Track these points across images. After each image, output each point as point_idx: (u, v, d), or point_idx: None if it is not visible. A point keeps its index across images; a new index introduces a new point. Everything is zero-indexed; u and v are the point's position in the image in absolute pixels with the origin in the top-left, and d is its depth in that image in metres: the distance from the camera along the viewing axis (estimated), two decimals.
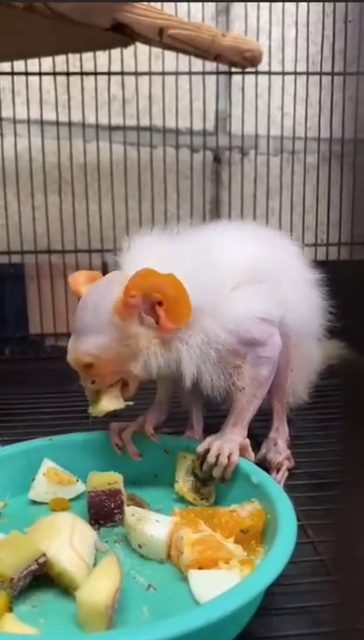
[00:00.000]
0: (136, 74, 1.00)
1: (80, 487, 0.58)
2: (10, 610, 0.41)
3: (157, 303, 0.52)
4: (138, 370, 0.54)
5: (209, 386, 0.56)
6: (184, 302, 0.52)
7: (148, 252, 0.55)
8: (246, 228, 0.68)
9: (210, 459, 0.55)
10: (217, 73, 1.03)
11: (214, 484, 0.56)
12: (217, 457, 0.55)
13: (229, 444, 0.56)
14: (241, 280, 0.57)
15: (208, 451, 0.56)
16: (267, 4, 1.01)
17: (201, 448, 0.56)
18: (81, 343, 0.54)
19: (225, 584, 0.41)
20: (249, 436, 0.71)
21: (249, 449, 0.57)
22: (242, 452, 0.56)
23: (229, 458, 0.55)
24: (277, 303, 0.58)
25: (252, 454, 0.57)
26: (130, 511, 0.50)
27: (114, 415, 0.57)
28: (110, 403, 0.55)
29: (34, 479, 0.57)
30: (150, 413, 0.63)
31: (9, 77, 0.99)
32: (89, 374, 0.55)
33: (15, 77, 0.99)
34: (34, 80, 1.00)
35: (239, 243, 0.61)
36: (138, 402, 0.61)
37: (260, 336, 0.56)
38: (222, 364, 0.56)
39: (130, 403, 0.56)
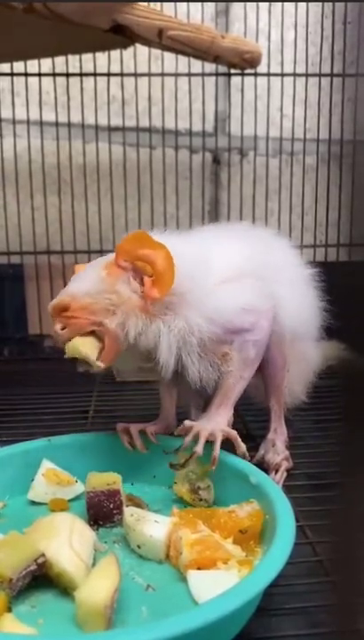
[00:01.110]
0: (135, 75, 1.00)
1: (79, 488, 0.58)
2: (9, 610, 0.41)
3: (148, 275, 0.54)
4: (114, 326, 0.53)
5: (196, 378, 0.57)
6: (169, 274, 0.53)
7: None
8: (242, 228, 0.69)
9: (188, 440, 0.55)
10: (217, 74, 1.03)
11: (212, 484, 0.57)
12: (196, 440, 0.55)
13: (210, 426, 0.56)
14: (229, 276, 0.58)
15: (187, 433, 0.56)
16: (266, 5, 1.02)
17: (178, 430, 0.57)
18: (70, 285, 0.56)
19: (223, 584, 0.41)
20: (248, 436, 0.71)
21: (239, 440, 0.57)
22: (232, 440, 0.56)
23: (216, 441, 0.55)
24: (266, 297, 0.59)
25: (242, 445, 0.57)
26: (129, 511, 0.50)
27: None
28: (84, 344, 0.54)
29: (33, 480, 0.57)
30: (156, 424, 0.63)
31: (8, 78, 0.99)
32: (62, 317, 0.54)
33: (15, 78, 0.99)
34: (33, 81, 1.00)
35: (231, 240, 0.62)
36: (138, 403, 0.61)
37: (243, 325, 0.57)
38: (209, 355, 0.56)
39: (102, 365, 0.54)
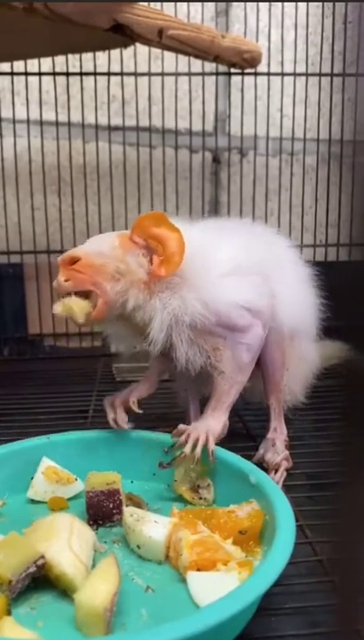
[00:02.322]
0: (135, 74, 1.00)
1: (79, 486, 0.58)
2: (8, 613, 0.41)
3: (158, 255, 0.55)
4: (113, 291, 0.54)
5: (183, 359, 0.57)
6: (178, 256, 0.55)
7: None
8: (242, 224, 0.70)
9: (180, 440, 0.56)
10: (217, 74, 1.03)
11: (212, 483, 0.57)
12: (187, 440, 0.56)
13: (203, 429, 0.57)
14: (230, 269, 0.58)
15: (180, 435, 0.57)
16: (266, 5, 1.02)
17: (174, 432, 0.57)
18: (86, 244, 0.57)
19: (223, 586, 0.41)
20: (248, 436, 0.71)
21: (214, 440, 0.57)
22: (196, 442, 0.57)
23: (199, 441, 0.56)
24: (265, 295, 0.60)
25: (212, 447, 0.57)
26: (129, 512, 0.50)
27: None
28: (77, 303, 0.55)
29: (33, 478, 0.57)
30: (139, 386, 0.64)
31: (8, 77, 0.99)
32: (68, 269, 0.55)
33: (15, 77, 0.99)
34: (33, 80, 1.00)
35: (232, 235, 0.63)
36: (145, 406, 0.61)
37: (240, 322, 0.58)
38: (199, 342, 0.57)
39: (88, 328, 0.56)
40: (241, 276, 0.59)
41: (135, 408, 0.62)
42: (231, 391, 0.59)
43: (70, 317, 0.55)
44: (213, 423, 0.58)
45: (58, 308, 0.55)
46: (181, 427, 0.58)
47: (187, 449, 0.56)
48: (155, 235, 0.55)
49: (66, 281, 0.55)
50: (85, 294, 0.55)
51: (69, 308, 0.55)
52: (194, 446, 0.56)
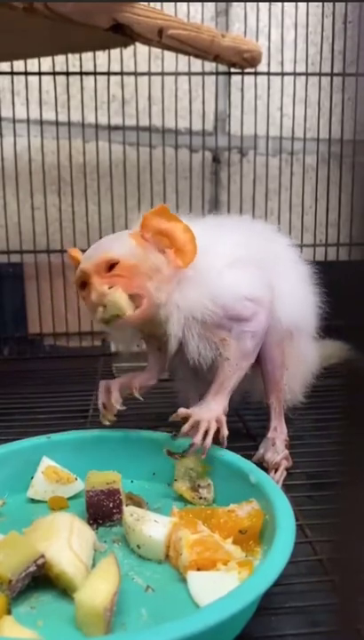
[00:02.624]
0: (135, 74, 1.00)
1: (79, 485, 0.58)
2: (8, 612, 0.41)
3: (167, 247, 0.56)
4: (153, 290, 0.55)
5: (195, 354, 0.58)
6: (190, 245, 0.56)
7: None
8: (242, 220, 0.71)
9: (184, 429, 0.57)
10: (217, 73, 1.03)
11: (212, 483, 0.57)
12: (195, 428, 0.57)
13: (207, 415, 0.57)
14: (231, 262, 0.59)
15: (184, 420, 0.57)
16: (266, 5, 1.02)
17: (182, 411, 0.58)
18: (104, 248, 0.56)
19: (223, 586, 0.41)
20: (248, 435, 0.71)
21: (225, 425, 0.58)
22: (218, 426, 0.57)
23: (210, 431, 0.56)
24: (265, 285, 0.60)
25: (226, 431, 0.58)
26: (129, 511, 0.50)
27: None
28: (122, 298, 0.54)
29: (33, 477, 0.57)
30: (141, 374, 0.64)
31: (8, 77, 0.99)
32: (108, 277, 0.54)
33: (15, 77, 0.99)
34: (33, 80, 1.00)
35: (232, 229, 0.64)
36: (138, 402, 0.61)
37: (244, 313, 0.59)
38: (207, 335, 0.58)
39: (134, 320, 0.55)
40: (241, 268, 0.60)
41: (137, 394, 0.62)
42: (233, 376, 0.59)
43: (116, 311, 0.54)
44: (216, 408, 0.58)
45: (103, 313, 0.54)
46: (182, 411, 0.58)
47: (197, 439, 0.56)
48: (162, 229, 0.56)
49: (110, 288, 0.54)
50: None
51: (116, 303, 0.54)
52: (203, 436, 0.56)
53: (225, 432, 0.57)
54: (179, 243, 0.56)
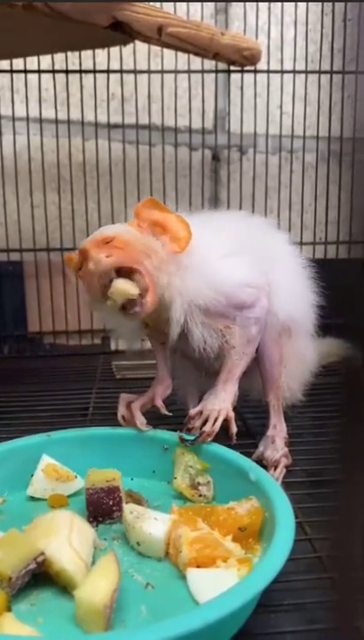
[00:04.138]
0: (135, 72, 1.00)
1: (78, 483, 0.58)
2: (8, 609, 0.41)
3: (161, 235, 0.57)
4: (151, 268, 0.56)
5: (201, 342, 0.59)
6: (183, 230, 0.57)
7: None
8: (240, 214, 0.72)
9: (197, 422, 0.58)
10: (216, 71, 1.03)
11: (212, 480, 0.57)
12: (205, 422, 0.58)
13: (217, 406, 0.59)
14: (227, 250, 0.60)
15: (199, 413, 0.59)
16: (266, 3, 1.01)
17: (193, 411, 0.59)
18: (103, 229, 0.58)
19: (222, 583, 0.41)
20: (247, 433, 0.71)
21: (234, 421, 0.59)
22: (229, 420, 0.59)
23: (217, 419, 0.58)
24: (262, 272, 0.61)
25: (235, 427, 0.59)
26: (129, 509, 0.50)
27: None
28: (125, 283, 0.55)
29: (32, 475, 0.57)
30: (157, 387, 0.65)
31: (8, 75, 0.99)
32: (106, 247, 0.55)
33: (14, 75, 0.99)
34: (33, 78, 1.00)
35: (229, 222, 0.66)
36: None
37: (247, 299, 0.60)
38: (212, 323, 0.59)
39: (141, 294, 0.55)
40: (238, 256, 0.60)
41: (165, 411, 0.63)
42: (240, 363, 0.61)
43: (128, 302, 0.55)
44: (227, 397, 0.59)
45: (112, 295, 0.55)
46: (193, 412, 0.59)
47: (208, 427, 0.57)
48: (155, 219, 0.57)
49: (108, 257, 0.54)
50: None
51: (123, 290, 0.54)
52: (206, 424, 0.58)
53: (234, 429, 0.59)
54: (173, 230, 0.57)
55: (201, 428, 0.58)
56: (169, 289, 0.57)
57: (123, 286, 0.54)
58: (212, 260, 0.59)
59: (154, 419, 0.66)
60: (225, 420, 0.59)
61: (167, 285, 0.57)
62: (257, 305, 0.60)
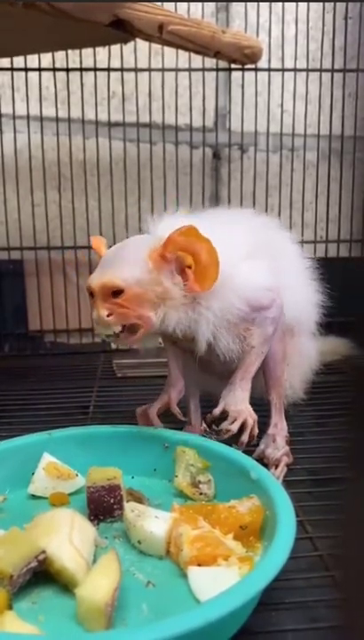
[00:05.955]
0: (135, 70, 1.00)
1: (79, 482, 0.58)
2: (10, 607, 0.41)
3: (187, 267, 0.56)
4: (157, 319, 0.55)
5: (225, 349, 0.60)
6: (213, 269, 0.55)
7: (179, 221, 0.57)
8: (245, 213, 0.71)
9: (225, 424, 0.59)
10: (217, 69, 1.03)
11: (213, 479, 0.57)
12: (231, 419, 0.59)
13: (239, 407, 0.59)
14: (243, 252, 0.60)
15: (223, 412, 0.59)
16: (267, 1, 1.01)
17: (217, 411, 0.59)
18: (115, 270, 0.55)
19: (223, 581, 0.41)
20: None
21: (250, 429, 0.59)
22: (246, 426, 0.59)
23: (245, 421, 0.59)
24: (274, 274, 0.62)
25: (256, 430, 0.60)
26: (130, 507, 0.50)
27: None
28: (107, 321, 0.55)
29: (34, 473, 0.57)
30: (171, 391, 0.65)
31: (8, 73, 0.99)
32: (110, 303, 0.54)
33: (14, 73, 0.99)
34: (33, 76, 1.00)
35: (236, 222, 0.65)
36: (138, 398, 0.61)
37: (265, 302, 0.60)
38: (235, 329, 0.59)
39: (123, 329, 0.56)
40: (254, 259, 0.61)
41: (182, 417, 0.65)
42: (257, 361, 0.61)
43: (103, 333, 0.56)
44: (244, 396, 0.60)
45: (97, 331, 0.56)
46: (217, 411, 0.59)
47: (235, 427, 0.58)
48: (188, 247, 0.55)
49: (108, 315, 0.54)
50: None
51: (105, 329, 0.56)
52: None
53: (255, 431, 0.59)
54: (202, 265, 0.55)
55: (218, 426, 0.59)
56: (186, 322, 0.57)
57: (109, 330, 0.55)
58: (231, 264, 0.57)
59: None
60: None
61: (184, 321, 0.57)
62: (273, 305, 0.61)
